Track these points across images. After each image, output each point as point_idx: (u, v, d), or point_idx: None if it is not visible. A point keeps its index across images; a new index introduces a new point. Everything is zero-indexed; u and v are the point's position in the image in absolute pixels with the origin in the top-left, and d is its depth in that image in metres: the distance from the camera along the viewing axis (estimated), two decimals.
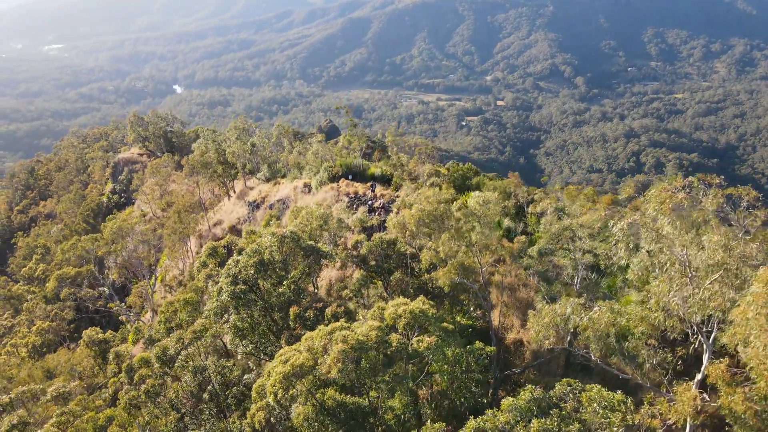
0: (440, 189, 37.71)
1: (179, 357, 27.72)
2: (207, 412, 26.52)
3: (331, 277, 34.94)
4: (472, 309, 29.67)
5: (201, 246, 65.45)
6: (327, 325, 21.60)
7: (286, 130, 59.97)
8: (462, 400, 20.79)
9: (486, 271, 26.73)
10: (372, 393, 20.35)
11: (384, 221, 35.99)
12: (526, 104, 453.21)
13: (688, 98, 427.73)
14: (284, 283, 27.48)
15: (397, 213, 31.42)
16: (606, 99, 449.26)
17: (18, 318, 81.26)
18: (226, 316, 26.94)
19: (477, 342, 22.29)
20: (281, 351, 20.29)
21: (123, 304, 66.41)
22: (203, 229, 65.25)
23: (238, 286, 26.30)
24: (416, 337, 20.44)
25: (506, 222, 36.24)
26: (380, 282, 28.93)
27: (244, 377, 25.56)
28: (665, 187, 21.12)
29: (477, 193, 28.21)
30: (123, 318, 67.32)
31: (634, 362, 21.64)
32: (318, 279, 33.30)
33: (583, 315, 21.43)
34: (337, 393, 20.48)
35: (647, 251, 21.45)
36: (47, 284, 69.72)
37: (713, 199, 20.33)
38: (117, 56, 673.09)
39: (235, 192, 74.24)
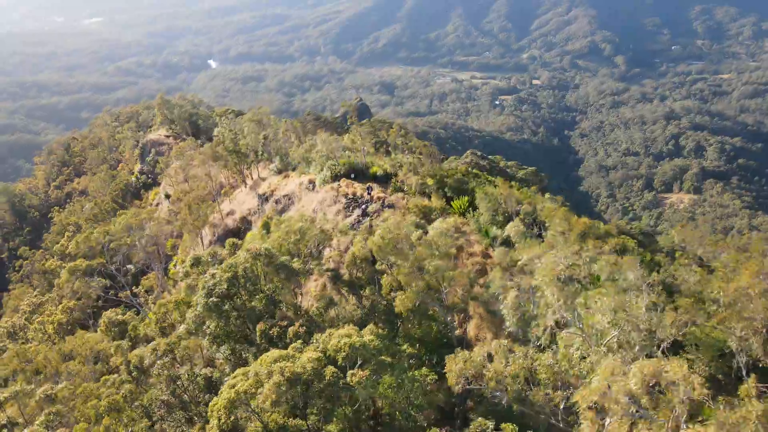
0: (429, 198, 37.81)
1: (155, 366, 29.07)
2: (176, 420, 27.84)
3: (318, 287, 35.50)
4: (449, 319, 29.86)
5: (214, 235, 66.95)
6: (289, 342, 22.41)
7: (295, 125, 60.28)
8: (403, 423, 21.51)
9: (454, 290, 26.85)
10: (312, 417, 21.23)
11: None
12: (562, 83, 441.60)
13: (734, 79, 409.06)
14: (257, 297, 28.38)
15: (367, 237, 31.65)
16: (647, 79, 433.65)
17: (47, 296, 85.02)
18: (206, 324, 28.00)
19: (423, 369, 22.90)
20: (234, 373, 21.27)
21: (139, 288, 68.80)
22: (217, 218, 66.75)
23: (211, 299, 27.36)
24: (356, 369, 21.03)
25: (493, 230, 36.10)
26: (353, 297, 29.59)
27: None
28: (554, 260, 21.15)
29: (437, 223, 28.18)
30: (142, 301, 69.77)
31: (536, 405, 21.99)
32: (304, 289, 33.95)
33: (487, 364, 21.68)
34: (283, 416, 21.39)
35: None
36: (62, 275, 72.79)
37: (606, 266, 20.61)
38: (153, 31, 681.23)
39: (252, 179, 75.32)
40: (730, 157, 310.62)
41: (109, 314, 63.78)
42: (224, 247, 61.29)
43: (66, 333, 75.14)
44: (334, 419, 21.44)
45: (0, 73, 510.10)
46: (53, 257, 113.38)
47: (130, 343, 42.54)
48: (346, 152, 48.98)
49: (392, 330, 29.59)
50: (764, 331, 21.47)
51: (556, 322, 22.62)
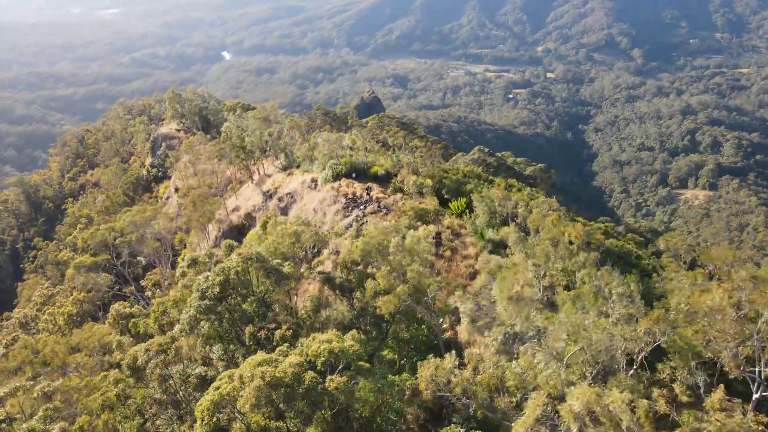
0: (425, 198, 38.08)
1: (148, 365, 29.79)
2: (168, 418, 28.58)
3: (314, 289, 35.88)
4: (441, 321, 30.10)
5: (220, 230, 67.70)
6: (276, 344, 22.98)
7: (297, 123, 60.57)
8: (384, 426, 22.04)
9: (439, 294, 27.08)
10: (294, 420, 21.80)
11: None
12: (577, 77, 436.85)
13: (753, 73, 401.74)
14: (248, 300, 28.93)
15: (355, 239, 31.95)
16: (664, 73, 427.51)
17: (58, 287, 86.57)
18: (200, 324, 28.63)
19: (404, 374, 23.32)
20: (221, 375, 21.91)
21: (146, 282, 69.79)
22: (223, 214, 67.46)
23: (204, 302, 27.97)
24: (335, 374, 21.52)
25: (488, 233, 36.22)
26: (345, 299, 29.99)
27: None
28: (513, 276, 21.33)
29: (412, 232, 28.35)
30: (149, 294, 70.79)
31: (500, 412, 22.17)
32: (301, 291, 34.36)
33: (457, 372, 21.94)
34: (266, 418, 22.00)
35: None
36: (68, 271, 74.05)
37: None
38: (168, 22, 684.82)
39: (259, 174, 75.88)
40: (747, 153, 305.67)
41: (117, 307, 64.82)
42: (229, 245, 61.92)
43: (76, 324, 76.61)
44: (314, 422, 22.05)
45: (18, 64, 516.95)
46: (66, 248, 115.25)
47: (131, 339, 43.40)
48: (348, 151, 49.18)
49: (380, 333, 29.96)
50: (734, 345, 21.50)
51: (515, 335, 22.91)
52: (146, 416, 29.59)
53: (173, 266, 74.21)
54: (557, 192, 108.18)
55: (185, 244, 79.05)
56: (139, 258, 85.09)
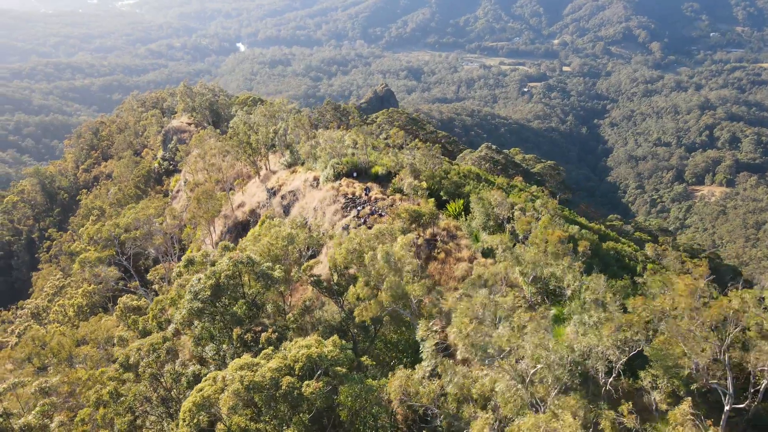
0: (422, 200, 38.19)
1: (141, 364, 30.46)
2: (157, 415, 29.23)
3: (310, 292, 36.15)
4: (432, 323, 30.16)
5: (225, 226, 68.35)
6: (262, 347, 23.51)
7: (302, 121, 60.72)
8: (362, 429, 22.48)
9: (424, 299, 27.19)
10: (272, 423, 22.30)
11: (371, 226, 36.90)
12: (593, 70, 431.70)
13: None
14: (238, 302, 29.40)
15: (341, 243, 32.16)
16: (683, 67, 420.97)
17: (68, 279, 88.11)
18: (193, 325, 29.17)
19: (383, 379, 23.63)
20: (206, 377, 22.49)
21: (154, 275, 70.70)
22: (228, 209, 68.08)
23: (195, 303, 28.51)
24: (314, 379, 21.96)
25: (483, 236, 36.27)
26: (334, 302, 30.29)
27: None
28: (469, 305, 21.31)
29: (384, 247, 28.40)
30: (156, 287, 71.77)
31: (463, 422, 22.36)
32: (299, 292, 34.68)
33: (426, 382, 22.12)
34: (249, 419, 22.56)
35: None
36: (74, 266, 75.25)
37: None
38: (185, 13, 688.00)
39: (266, 169, 76.27)
40: (766, 149, 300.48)
41: (125, 300, 65.93)
42: (233, 240, 62.58)
43: (86, 316, 78.05)
44: (292, 426, 22.54)
45: (37, 54, 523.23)
46: (78, 239, 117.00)
47: (133, 333, 44.19)
48: (351, 149, 49.22)
49: (367, 336, 30.23)
50: (696, 355, 21.40)
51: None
52: (137, 413, 30.34)
53: (180, 260, 75.15)
54: (566, 189, 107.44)
55: (192, 239, 79.95)
56: (149, 250, 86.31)
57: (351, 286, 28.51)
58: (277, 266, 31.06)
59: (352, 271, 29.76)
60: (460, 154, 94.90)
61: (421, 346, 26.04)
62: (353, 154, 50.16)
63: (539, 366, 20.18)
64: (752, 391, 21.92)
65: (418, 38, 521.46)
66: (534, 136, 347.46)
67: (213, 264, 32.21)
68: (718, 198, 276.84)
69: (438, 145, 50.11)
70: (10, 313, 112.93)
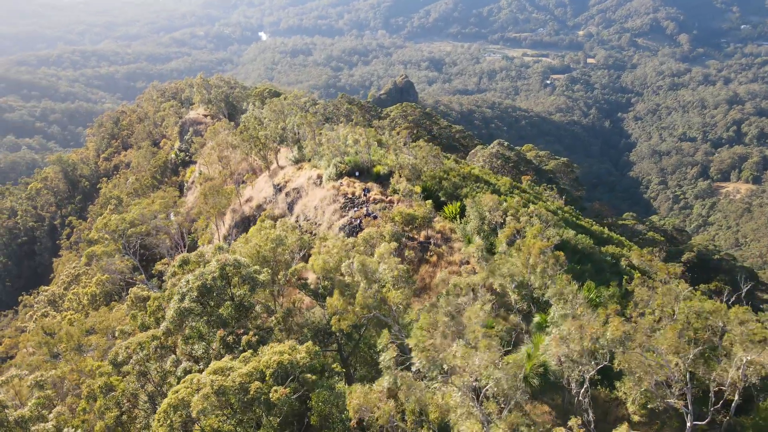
0: (415, 203, 38.36)
1: (130, 361, 31.33)
2: (144, 411, 30.10)
3: (298, 296, 36.56)
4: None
5: (233, 220, 69.25)
6: (242, 350, 24.14)
7: (308, 119, 60.97)
8: None
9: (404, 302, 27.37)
10: (246, 425, 22.92)
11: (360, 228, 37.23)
12: (619, 63, 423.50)
13: None
14: (225, 304, 30.01)
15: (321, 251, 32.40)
16: (711, 60, 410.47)
17: (83, 267, 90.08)
18: (184, 324, 29.87)
19: (355, 384, 24.06)
20: (185, 378, 23.16)
21: (165, 267, 72.04)
22: (237, 204, 68.92)
23: (183, 304, 29.18)
24: (284, 385, 22.52)
25: (476, 240, 36.26)
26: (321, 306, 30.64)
27: None
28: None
29: (361, 257, 28.47)
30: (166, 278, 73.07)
31: None
32: (291, 294, 35.08)
33: (384, 399, 22.28)
34: (225, 420, 23.22)
35: None
36: (81, 260, 76.96)
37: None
38: (208, 1, 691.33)
39: (276, 164, 76.89)
40: None
41: (136, 290, 67.36)
42: (239, 235, 63.24)
43: (100, 304, 79.97)
44: (262, 428, 23.22)
45: (64, 42, 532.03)
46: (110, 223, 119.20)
47: (133, 328, 45.21)
48: (355, 147, 49.33)
49: (350, 341, 30.57)
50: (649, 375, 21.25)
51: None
52: (123, 409, 31.32)
53: (191, 251, 76.31)
54: (580, 187, 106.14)
55: (207, 230, 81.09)
56: (158, 245, 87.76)
57: (328, 297, 28.85)
58: (264, 269, 31.53)
59: (337, 275, 30.08)
60: (472, 150, 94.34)
61: (380, 357, 26.41)
62: (357, 153, 50.30)
63: (490, 384, 20.33)
64: (712, 409, 21.82)
65: (441, 28, 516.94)
66: (555, 129, 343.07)
67: (206, 264, 32.86)
68: (743, 195, 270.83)
69: (438, 147, 49.87)
70: (32, 297, 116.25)
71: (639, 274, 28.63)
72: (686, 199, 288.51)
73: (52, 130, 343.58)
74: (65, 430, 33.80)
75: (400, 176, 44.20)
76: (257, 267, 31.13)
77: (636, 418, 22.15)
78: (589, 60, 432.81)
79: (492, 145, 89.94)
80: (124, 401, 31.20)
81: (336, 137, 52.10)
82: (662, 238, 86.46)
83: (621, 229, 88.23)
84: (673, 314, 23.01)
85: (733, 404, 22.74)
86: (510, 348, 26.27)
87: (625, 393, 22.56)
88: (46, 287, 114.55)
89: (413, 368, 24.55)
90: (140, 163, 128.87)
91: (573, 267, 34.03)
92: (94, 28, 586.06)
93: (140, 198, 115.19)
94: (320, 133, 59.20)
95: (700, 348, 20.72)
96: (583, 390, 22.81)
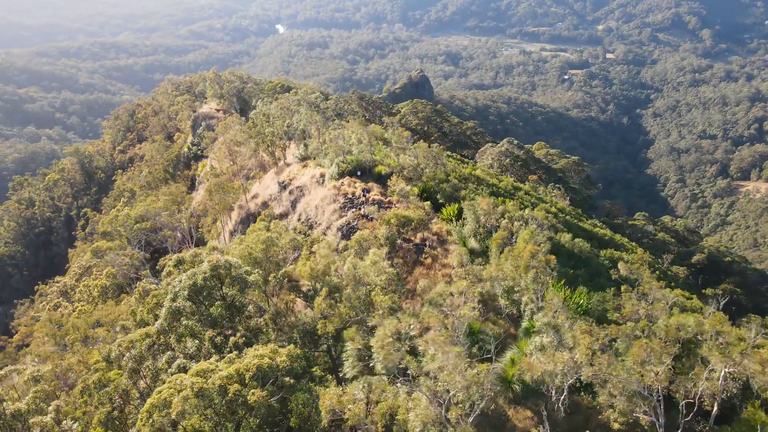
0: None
1: (124, 358, 32.00)
2: (135, 407, 30.72)
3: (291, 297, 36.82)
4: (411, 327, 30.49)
5: (239, 216, 69.84)
6: (229, 351, 24.65)
7: (313, 117, 61.17)
8: None
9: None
10: (227, 425, 23.37)
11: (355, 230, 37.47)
12: (638, 58, 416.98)
13: None
14: (216, 304, 30.46)
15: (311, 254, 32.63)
16: (734, 56, 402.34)
17: (94, 260, 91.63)
18: (180, 322, 30.40)
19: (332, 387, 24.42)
20: (170, 378, 23.73)
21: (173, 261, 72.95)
22: (244, 200, 69.47)
23: (174, 303, 29.70)
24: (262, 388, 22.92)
25: (471, 243, 36.24)
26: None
27: None
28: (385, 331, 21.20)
29: (352, 259, 28.51)
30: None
31: None
32: (287, 294, 35.36)
33: (351, 407, 22.43)
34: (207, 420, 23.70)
35: None
36: (78, 258, 78.23)
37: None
38: None
39: (284, 161, 77.33)
40: None
41: (143, 284, 68.51)
42: (244, 232, 63.77)
43: (110, 296, 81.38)
44: (241, 429, 23.66)
45: (84, 33, 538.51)
46: (117, 219, 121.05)
47: (134, 324, 46.01)
48: (359, 146, 49.35)
49: (339, 342, 30.78)
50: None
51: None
52: (114, 404, 32.02)
53: (199, 246, 77.19)
54: (591, 186, 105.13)
55: (209, 227, 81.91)
56: (172, 235, 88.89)
57: (316, 299, 29.11)
58: (255, 270, 31.91)
59: (328, 277, 30.29)
60: (482, 148, 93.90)
61: (345, 362, 26.72)
62: (360, 152, 50.39)
63: (453, 391, 20.47)
64: (683, 421, 21.77)
65: (458, 22, 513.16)
66: (572, 125, 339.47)
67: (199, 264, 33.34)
68: (763, 194, 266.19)
69: (440, 147, 49.73)
70: (48, 287, 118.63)
71: (625, 287, 28.44)
72: (704, 197, 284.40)
73: (71, 120, 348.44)
74: (65, 422, 34.66)
75: (400, 177, 44.24)
76: (248, 268, 31.51)
77: (616, 425, 22.18)
78: (608, 55, 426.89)
79: (501, 144, 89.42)
80: (116, 397, 31.90)
81: (339, 136, 52.20)
82: (672, 240, 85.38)
83: (630, 229, 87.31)
84: (646, 329, 22.91)
85: (712, 414, 22.73)
86: (489, 355, 26.30)
87: (606, 400, 22.55)
88: (61, 277, 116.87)
89: (375, 371, 24.86)
90: (153, 156, 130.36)
91: (566, 272, 33.91)
92: (114, 20, 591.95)
93: (152, 191, 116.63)
94: (325, 131, 59.35)
95: (670, 362, 20.68)
96: (562, 398, 22.90)
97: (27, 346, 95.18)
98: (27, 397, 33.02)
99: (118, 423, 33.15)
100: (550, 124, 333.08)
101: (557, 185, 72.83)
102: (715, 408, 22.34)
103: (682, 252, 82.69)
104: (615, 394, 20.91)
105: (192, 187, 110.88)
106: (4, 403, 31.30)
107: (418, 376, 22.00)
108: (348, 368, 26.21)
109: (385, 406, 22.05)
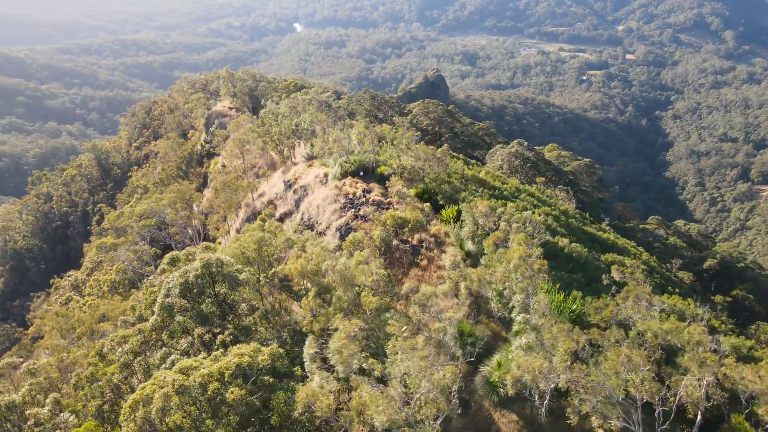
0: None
1: (116, 353, 32.42)
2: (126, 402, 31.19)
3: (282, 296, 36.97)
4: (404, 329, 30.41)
5: (246, 214, 70.29)
6: (217, 349, 24.99)
7: (319, 117, 61.25)
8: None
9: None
10: (208, 422, 23.59)
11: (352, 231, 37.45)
12: (659, 59, 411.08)
13: None
14: (206, 301, 30.73)
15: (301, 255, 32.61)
16: (757, 57, 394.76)
17: (101, 255, 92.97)
18: (174, 319, 30.75)
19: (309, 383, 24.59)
20: (155, 374, 24.03)
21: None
22: (250, 198, 69.91)
23: (167, 300, 30.03)
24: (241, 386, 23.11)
25: (467, 244, 36.02)
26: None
27: None
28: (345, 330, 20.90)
29: (344, 260, 28.42)
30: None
31: None
32: (276, 293, 35.53)
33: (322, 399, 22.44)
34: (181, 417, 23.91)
35: None
36: (90, 252, 79.26)
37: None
38: None
39: (292, 159, 77.67)
40: None
41: (152, 279, 69.34)
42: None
43: (121, 291, 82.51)
44: (221, 426, 23.86)
45: (105, 31, 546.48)
46: (123, 215, 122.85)
47: (134, 319, 46.55)
48: (363, 146, 49.34)
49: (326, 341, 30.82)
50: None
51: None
52: (105, 399, 32.51)
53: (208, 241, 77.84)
54: (603, 188, 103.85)
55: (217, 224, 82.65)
56: (178, 231, 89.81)
57: (303, 299, 29.20)
58: (248, 269, 32.13)
59: (318, 277, 30.35)
60: (492, 149, 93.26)
61: (306, 363, 26.79)
62: (364, 153, 50.35)
63: (417, 395, 20.38)
64: (659, 430, 21.42)
65: (476, 21, 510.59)
66: (589, 126, 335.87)
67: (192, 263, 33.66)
68: None
69: (443, 148, 49.44)
70: (63, 280, 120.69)
71: (627, 288, 27.97)
72: (724, 201, 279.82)
73: (91, 117, 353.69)
74: (62, 414, 35.21)
75: (399, 178, 44.12)
76: (240, 266, 31.74)
77: (600, 431, 21.95)
78: (628, 56, 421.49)
79: (511, 145, 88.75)
80: (107, 392, 32.37)
81: (344, 136, 52.21)
82: (684, 245, 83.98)
83: (642, 233, 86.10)
84: (621, 337, 22.58)
85: (696, 423, 22.39)
86: (472, 358, 26.16)
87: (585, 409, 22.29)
88: (74, 271, 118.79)
89: (333, 371, 24.93)
90: (167, 153, 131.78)
91: (562, 275, 33.54)
92: (135, 17, 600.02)
93: (165, 187, 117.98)
94: (331, 131, 59.42)
95: (647, 369, 20.38)
96: (545, 403, 22.72)
97: (42, 338, 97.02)
98: (22, 390, 33.60)
99: (114, 416, 33.59)
100: (567, 125, 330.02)
101: (565, 188, 72.06)
102: (699, 417, 22.05)
103: (693, 257, 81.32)
104: (589, 401, 20.67)
105: (204, 185, 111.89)
106: (0, 395, 31.87)
107: (384, 378, 22.04)
108: (307, 369, 26.34)
109: (356, 403, 22.09)
